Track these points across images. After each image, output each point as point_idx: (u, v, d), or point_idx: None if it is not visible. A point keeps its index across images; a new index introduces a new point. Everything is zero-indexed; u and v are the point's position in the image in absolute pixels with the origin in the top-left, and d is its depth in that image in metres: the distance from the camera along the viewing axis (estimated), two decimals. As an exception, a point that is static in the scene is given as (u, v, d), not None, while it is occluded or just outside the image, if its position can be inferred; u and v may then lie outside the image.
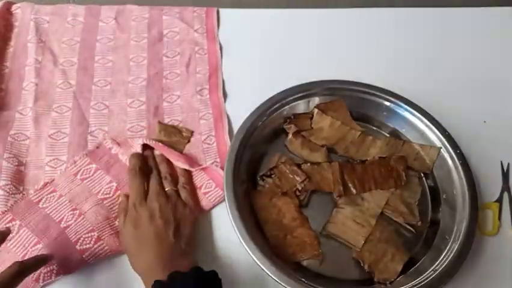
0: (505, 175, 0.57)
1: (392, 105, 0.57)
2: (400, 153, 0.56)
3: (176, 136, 0.57)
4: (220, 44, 0.68)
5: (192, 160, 0.54)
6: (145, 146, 0.54)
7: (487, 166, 0.57)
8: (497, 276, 0.50)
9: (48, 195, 0.50)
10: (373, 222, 0.51)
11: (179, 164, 0.52)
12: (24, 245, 0.47)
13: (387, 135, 0.59)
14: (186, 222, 0.48)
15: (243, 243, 0.45)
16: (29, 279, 0.44)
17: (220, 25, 0.71)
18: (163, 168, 0.52)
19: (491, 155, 0.58)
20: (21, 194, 0.51)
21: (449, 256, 0.46)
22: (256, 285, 0.48)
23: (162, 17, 0.70)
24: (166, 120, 0.59)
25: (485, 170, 0.57)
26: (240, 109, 0.56)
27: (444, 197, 0.53)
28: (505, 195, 0.56)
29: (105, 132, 0.57)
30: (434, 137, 0.55)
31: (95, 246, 0.47)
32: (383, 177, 0.53)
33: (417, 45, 0.70)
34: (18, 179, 0.52)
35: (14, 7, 0.70)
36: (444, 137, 0.54)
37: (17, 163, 0.53)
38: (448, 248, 0.47)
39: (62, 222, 0.48)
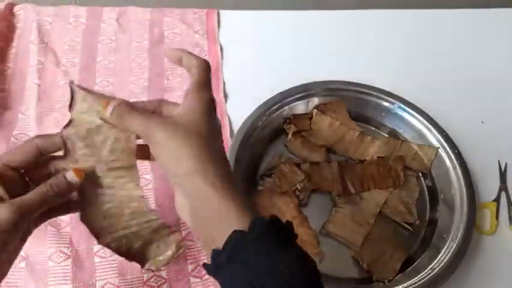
0: (503, 175, 0.58)
1: (391, 106, 0.58)
2: (398, 153, 0.56)
3: None
4: (220, 45, 0.69)
5: None
6: None
7: (484, 166, 0.58)
8: (495, 275, 0.51)
9: None
10: (372, 221, 0.51)
11: None
12: None
13: (386, 135, 0.59)
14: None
15: (243, 241, 0.45)
16: None
17: (221, 26, 0.71)
18: None
19: (489, 154, 0.59)
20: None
21: (447, 255, 0.47)
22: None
23: (163, 18, 0.71)
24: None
25: (482, 169, 0.57)
26: (240, 110, 0.57)
27: (442, 196, 0.53)
28: (503, 194, 0.56)
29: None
30: (432, 137, 0.55)
31: None
32: (381, 177, 0.54)
33: (415, 46, 0.71)
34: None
35: (16, 8, 0.70)
36: (442, 137, 0.55)
37: (20, 163, 0.53)
38: (445, 247, 0.48)
39: None
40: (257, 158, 0.56)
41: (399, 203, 0.53)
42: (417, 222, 0.52)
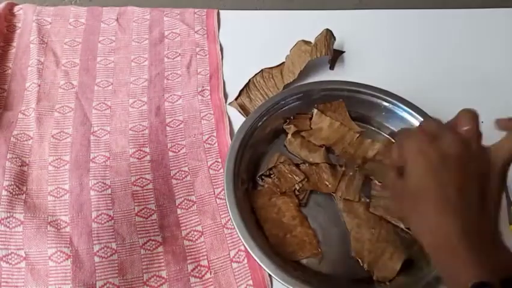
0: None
1: (391, 106, 0.58)
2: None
3: None
4: (220, 45, 0.69)
5: None
6: None
7: (484, 166, 0.58)
8: (494, 274, 0.51)
9: None
10: None
11: None
12: None
13: (386, 135, 0.59)
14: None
15: (243, 242, 0.45)
16: None
17: (221, 26, 0.71)
18: None
19: (489, 155, 0.59)
20: (24, 195, 0.51)
21: (447, 255, 0.47)
22: (256, 283, 0.48)
23: (163, 18, 0.71)
24: (168, 120, 0.60)
25: (483, 169, 0.57)
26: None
27: (442, 196, 0.53)
28: (503, 194, 0.56)
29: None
30: (432, 137, 0.55)
31: None
32: None
33: (416, 46, 0.71)
34: (21, 180, 0.52)
35: (16, 8, 0.71)
36: (442, 137, 0.54)
37: (20, 163, 0.53)
38: (446, 247, 0.48)
39: None
40: (257, 158, 0.56)
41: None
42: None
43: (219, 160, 0.56)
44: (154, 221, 0.51)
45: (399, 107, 0.57)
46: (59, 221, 0.50)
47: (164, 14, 0.72)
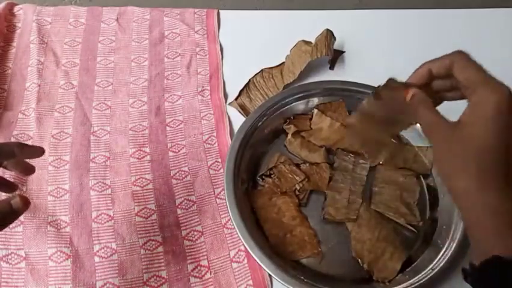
0: (503, 175, 0.58)
1: (391, 106, 0.58)
2: (399, 155, 0.56)
3: None
4: (220, 45, 0.69)
5: None
6: None
7: (484, 166, 0.58)
8: (494, 274, 0.51)
9: None
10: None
11: None
12: None
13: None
14: None
15: (243, 241, 0.45)
16: None
17: (221, 26, 0.71)
18: None
19: (489, 155, 0.59)
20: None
21: (447, 255, 0.47)
22: (256, 283, 0.48)
23: (163, 18, 0.71)
24: (168, 120, 0.60)
25: (483, 169, 0.57)
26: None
27: (442, 196, 0.53)
28: (503, 194, 0.56)
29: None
30: (433, 137, 0.55)
31: None
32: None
33: (416, 46, 0.71)
34: (21, 180, 0.52)
35: (16, 8, 0.71)
36: (442, 137, 0.54)
37: (20, 163, 0.53)
38: (446, 246, 0.48)
39: None
40: (257, 158, 0.56)
41: (401, 204, 0.53)
42: (421, 223, 0.52)
43: (219, 160, 0.56)
44: (154, 221, 0.51)
45: (399, 107, 0.57)
46: (59, 221, 0.50)
47: (164, 14, 0.72)
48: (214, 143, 0.58)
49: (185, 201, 0.53)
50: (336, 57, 0.67)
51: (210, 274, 0.48)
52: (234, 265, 0.48)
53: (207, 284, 0.47)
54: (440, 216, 0.52)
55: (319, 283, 0.44)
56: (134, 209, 0.52)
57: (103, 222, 0.50)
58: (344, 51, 0.69)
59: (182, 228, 0.51)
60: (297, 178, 0.53)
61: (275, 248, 0.49)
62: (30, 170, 0.41)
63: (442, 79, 0.37)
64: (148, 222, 0.51)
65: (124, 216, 0.51)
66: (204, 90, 0.63)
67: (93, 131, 0.58)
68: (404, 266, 0.48)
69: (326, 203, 0.53)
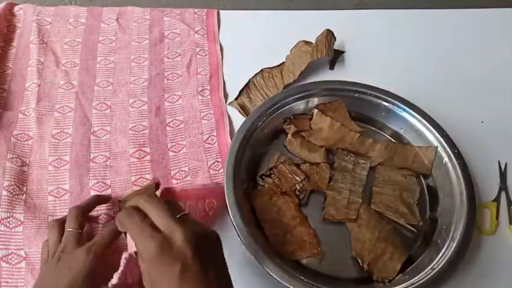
0: (503, 175, 0.58)
1: (391, 106, 0.58)
2: (399, 155, 0.56)
3: None
4: (220, 45, 0.69)
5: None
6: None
7: (484, 166, 0.58)
8: (495, 275, 0.51)
9: None
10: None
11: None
12: None
13: (386, 135, 0.59)
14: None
15: (243, 241, 0.45)
16: None
17: (221, 26, 0.71)
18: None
19: (489, 154, 0.59)
20: (24, 195, 0.51)
21: (447, 255, 0.47)
22: (255, 283, 0.48)
23: (163, 18, 0.71)
24: (168, 120, 0.60)
25: (482, 169, 0.57)
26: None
27: (442, 196, 0.53)
28: (503, 194, 0.56)
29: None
30: (432, 137, 0.55)
31: None
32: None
33: (415, 46, 0.71)
34: (21, 180, 0.52)
35: (16, 8, 0.71)
36: (442, 137, 0.55)
37: (20, 163, 0.53)
38: (446, 246, 0.48)
39: None
40: (257, 158, 0.56)
41: (401, 204, 0.53)
42: (421, 223, 0.52)
43: (219, 160, 0.56)
44: (154, 221, 0.51)
45: (399, 107, 0.57)
46: (59, 221, 0.50)
47: (164, 14, 0.72)
48: (214, 143, 0.58)
49: (185, 201, 0.53)
50: (336, 57, 0.67)
51: None
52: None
53: None
54: (440, 216, 0.52)
55: (319, 283, 0.44)
56: (134, 209, 0.51)
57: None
58: (344, 51, 0.69)
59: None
60: (297, 178, 0.53)
61: (275, 248, 0.49)
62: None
63: None
64: (148, 222, 0.51)
65: (124, 216, 0.51)
66: (204, 90, 0.63)
67: (93, 131, 0.58)
68: (404, 266, 0.48)
69: (326, 203, 0.53)
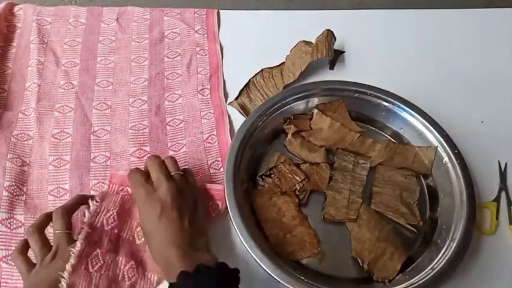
0: (503, 175, 0.58)
1: (391, 106, 0.58)
2: (399, 155, 0.56)
3: None
4: (220, 44, 0.69)
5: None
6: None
7: (484, 166, 0.58)
8: (495, 274, 0.51)
9: None
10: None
11: None
12: None
13: (386, 135, 0.59)
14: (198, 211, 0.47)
15: (243, 241, 0.45)
16: None
17: (221, 26, 0.71)
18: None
19: (489, 154, 0.59)
20: (24, 196, 0.51)
21: (447, 255, 0.47)
22: (256, 283, 0.48)
23: (163, 18, 0.71)
24: (168, 119, 0.60)
25: (482, 169, 0.57)
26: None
27: (442, 196, 0.53)
28: (503, 194, 0.56)
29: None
30: (432, 137, 0.55)
31: None
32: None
33: (415, 46, 0.71)
34: (21, 180, 0.52)
35: (16, 8, 0.71)
36: (442, 137, 0.55)
37: (20, 163, 0.53)
38: (446, 246, 0.48)
39: None
40: (257, 158, 0.56)
41: (401, 204, 0.53)
42: (421, 223, 0.52)
43: (219, 159, 0.56)
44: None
45: (399, 107, 0.57)
46: (59, 221, 0.50)
47: (164, 14, 0.72)
48: (215, 142, 0.58)
49: (185, 201, 0.53)
50: (336, 57, 0.67)
51: None
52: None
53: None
54: (440, 216, 0.52)
55: (319, 283, 0.44)
56: (134, 208, 0.51)
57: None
58: (344, 51, 0.69)
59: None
60: (297, 178, 0.53)
61: (275, 248, 0.49)
62: None
63: None
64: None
65: (124, 216, 0.51)
66: (204, 89, 0.63)
67: (93, 130, 0.58)
68: (404, 266, 0.48)
69: (326, 203, 0.53)
